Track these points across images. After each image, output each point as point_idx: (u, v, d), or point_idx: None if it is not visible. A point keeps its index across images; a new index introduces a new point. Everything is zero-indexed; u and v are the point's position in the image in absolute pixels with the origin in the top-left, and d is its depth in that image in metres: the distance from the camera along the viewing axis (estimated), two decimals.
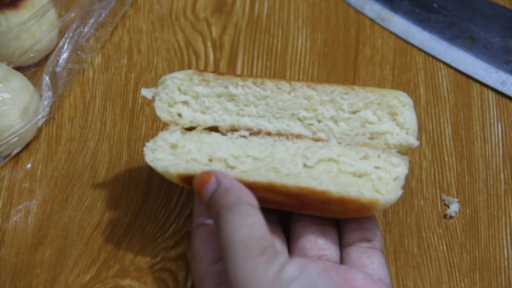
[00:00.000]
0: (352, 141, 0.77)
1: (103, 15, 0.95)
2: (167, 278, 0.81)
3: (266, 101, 0.79)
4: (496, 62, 0.94)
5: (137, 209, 0.85)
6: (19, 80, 0.87)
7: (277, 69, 0.95)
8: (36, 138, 0.89)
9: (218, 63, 0.95)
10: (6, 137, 0.86)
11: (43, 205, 0.85)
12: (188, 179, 0.75)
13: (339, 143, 0.77)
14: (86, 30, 0.93)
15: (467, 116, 0.91)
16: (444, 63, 0.95)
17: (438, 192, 0.86)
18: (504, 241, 0.84)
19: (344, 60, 0.96)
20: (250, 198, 0.71)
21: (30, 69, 0.91)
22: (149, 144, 0.77)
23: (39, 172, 0.87)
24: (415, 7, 0.98)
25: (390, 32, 0.98)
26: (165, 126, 0.89)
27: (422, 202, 0.86)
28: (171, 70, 0.94)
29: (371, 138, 0.77)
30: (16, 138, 0.86)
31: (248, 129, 0.78)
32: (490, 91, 0.93)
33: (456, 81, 0.94)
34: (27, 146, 0.88)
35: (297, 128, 0.78)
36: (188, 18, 0.98)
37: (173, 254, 0.83)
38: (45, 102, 0.89)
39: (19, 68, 0.89)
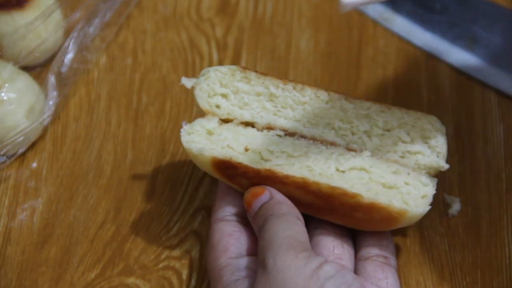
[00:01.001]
0: (384, 157, 0.79)
1: (108, 16, 0.95)
2: (172, 276, 0.82)
3: (304, 106, 0.80)
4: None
5: (141, 208, 0.86)
6: (25, 80, 0.88)
7: (280, 69, 0.95)
8: (41, 137, 0.90)
9: (222, 63, 0.95)
10: (12, 137, 0.86)
11: (49, 204, 0.86)
12: (221, 165, 0.76)
13: (371, 155, 0.78)
14: (91, 30, 0.94)
15: (469, 117, 0.92)
16: (446, 63, 0.95)
17: (440, 191, 0.86)
18: (506, 240, 0.84)
19: (347, 60, 0.96)
20: (298, 214, 0.74)
21: (35, 69, 0.91)
22: (186, 127, 0.77)
23: (44, 171, 0.88)
24: (417, 8, 0.98)
25: (393, 32, 0.98)
26: (170, 125, 0.90)
27: None
28: (175, 70, 0.95)
29: (402, 157, 0.79)
30: (21, 138, 0.86)
31: (284, 130, 0.79)
32: (492, 92, 0.93)
33: (458, 81, 0.94)
34: (32, 145, 0.89)
35: (331, 136, 0.79)
36: (192, 19, 0.98)
37: (178, 252, 0.83)
38: (51, 102, 0.89)
39: (25, 68, 0.89)
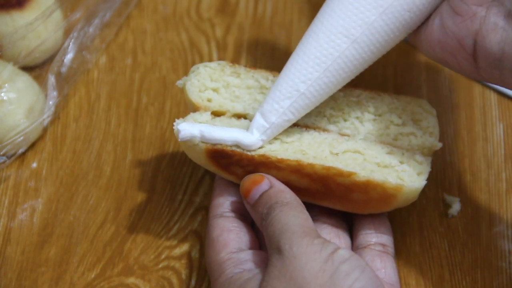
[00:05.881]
0: (377, 140, 0.79)
1: (108, 16, 0.95)
2: (171, 276, 0.82)
3: None
4: None
5: (141, 208, 0.86)
6: (24, 80, 0.88)
7: (280, 69, 0.95)
8: (41, 137, 0.90)
9: None
10: (12, 137, 0.86)
11: (49, 204, 0.86)
12: (215, 155, 0.76)
13: (364, 139, 0.79)
14: (91, 30, 0.94)
15: (469, 116, 0.92)
16: None
17: (440, 191, 0.87)
18: (506, 240, 0.84)
19: None
20: (301, 202, 0.75)
21: (35, 69, 0.91)
22: (179, 121, 0.77)
23: (44, 171, 0.88)
24: None
25: None
26: (170, 125, 0.90)
27: (424, 201, 0.86)
28: (175, 70, 0.95)
29: (395, 139, 0.80)
30: (21, 138, 0.87)
31: None
32: (491, 91, 0.93)
33: (458, 81, 0.94)
34: (32, 145, 0.89)
35: (324, 123, 0.80)
36: (192, 19, 0.98)
37: (177, 252, 0.83)
38: (50, 102, 0.90)
39: (24, 68, 0.90)
